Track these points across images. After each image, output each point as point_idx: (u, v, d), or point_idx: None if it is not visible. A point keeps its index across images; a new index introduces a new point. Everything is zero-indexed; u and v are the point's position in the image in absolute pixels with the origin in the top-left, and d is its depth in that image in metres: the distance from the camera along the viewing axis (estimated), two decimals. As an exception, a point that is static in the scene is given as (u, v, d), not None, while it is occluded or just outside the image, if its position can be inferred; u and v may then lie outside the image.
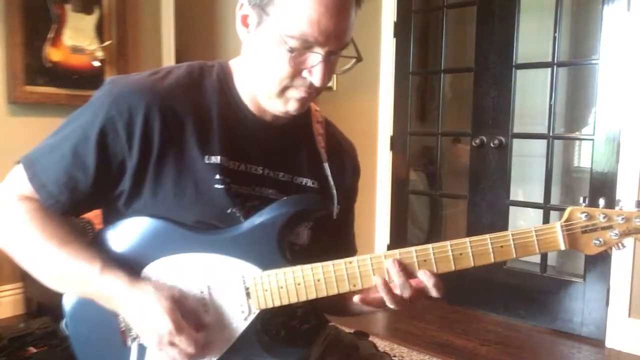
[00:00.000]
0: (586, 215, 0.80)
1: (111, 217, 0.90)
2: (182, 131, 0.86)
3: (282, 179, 0.93)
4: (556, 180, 3.28)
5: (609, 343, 2.54)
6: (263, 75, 0.85)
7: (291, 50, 0.79)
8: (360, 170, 1.09)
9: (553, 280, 2.78)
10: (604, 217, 0.80)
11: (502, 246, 0.81)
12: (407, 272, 0.82)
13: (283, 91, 0.85)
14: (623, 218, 0.79)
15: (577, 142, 3.55)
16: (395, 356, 2.35)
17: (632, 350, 2.47)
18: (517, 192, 3.09)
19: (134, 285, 0.82)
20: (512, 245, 0.81)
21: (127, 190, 0.86)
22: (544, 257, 2.81)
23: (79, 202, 0.87)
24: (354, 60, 0.87)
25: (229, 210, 0.86)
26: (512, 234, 0.81)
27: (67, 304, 0.91)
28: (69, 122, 0.87)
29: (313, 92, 0.86)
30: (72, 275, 0.84)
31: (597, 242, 0.81)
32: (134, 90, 0.84)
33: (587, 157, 2.99)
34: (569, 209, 0.82)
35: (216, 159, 0.87)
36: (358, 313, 1.01)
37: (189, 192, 0.85)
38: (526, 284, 2.84)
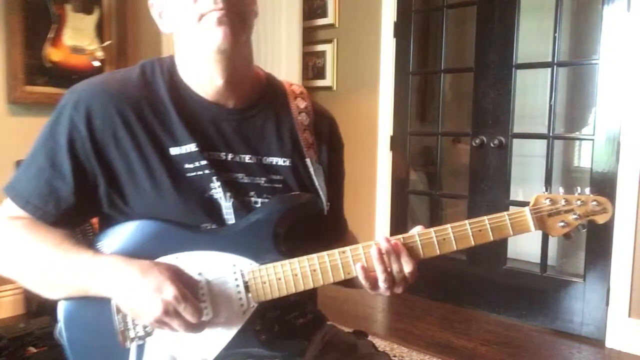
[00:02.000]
0: (550, 201, 0.90)
1: (105, 224, 0.92)
2: (142, 126, 0.88)
3: (249, 162, 0.94)
4: (556, 180, 3.28)
5: (609, 343, 2.54)
6: (181, 22, 0.88)
7: None
8: (342, 141, 1.09)
9: (553, 280, 2.78)
10: (565, 202, 0.90)
11: (480, 230, 0.89)
12: (387, 258, 0.86)
13: (199, 21, 0.84)
14: (581, 202, 0.89)
15: (577, 142, 3.55)
16: (395, 356, 2.35)
17: (632, 350, 2.47)
18: (517, 192, 3.09)
19: (130, 261, 0.83)
20: (489, 229, 0.89)
21: (104, 195, 0.88)
22: (544, 257, 2.82)
23: (68, 212, 0.88)
24: None
25: (207, 194, 0.88)
26: (487, 219, 0.89)
27: (61, 309, 0.90)
28: (39, 136, 0.90)
29: (223, 9, 0.83)
30: (65, 269, 0.84)
31: (562, 224, 0.90)
32: (90, 93, 0.88)
33: (587, 157, 2.98)
34: (535, 196, 0.91)
35: (180, 150, 0.88)
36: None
37: (166, 186, 0.87)
38: (526, 284, 2.84)
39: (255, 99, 0.97)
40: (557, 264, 3.33)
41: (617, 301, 2.51)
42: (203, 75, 0.91)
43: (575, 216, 0.89)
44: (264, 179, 0.94)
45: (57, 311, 0.91)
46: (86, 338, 0.90)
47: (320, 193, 0.97)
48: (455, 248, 0.88)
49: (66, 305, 0.90)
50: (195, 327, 0.82)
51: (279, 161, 0.96)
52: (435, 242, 0.88)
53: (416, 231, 0.89)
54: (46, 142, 0.88)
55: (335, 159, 1.06)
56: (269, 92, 1.00)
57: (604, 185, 2.51)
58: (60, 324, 0.90)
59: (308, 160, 0.98)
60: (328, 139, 1.04)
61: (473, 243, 0.88)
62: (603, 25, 2.53)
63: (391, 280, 0.86)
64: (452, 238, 0.88)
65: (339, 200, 1.10)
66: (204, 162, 0.89)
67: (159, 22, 0.93)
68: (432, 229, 0.89)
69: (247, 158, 0.94)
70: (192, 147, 0.89)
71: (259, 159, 0.95)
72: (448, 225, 0.88)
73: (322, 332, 1.04)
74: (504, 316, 2.88)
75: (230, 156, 0.92)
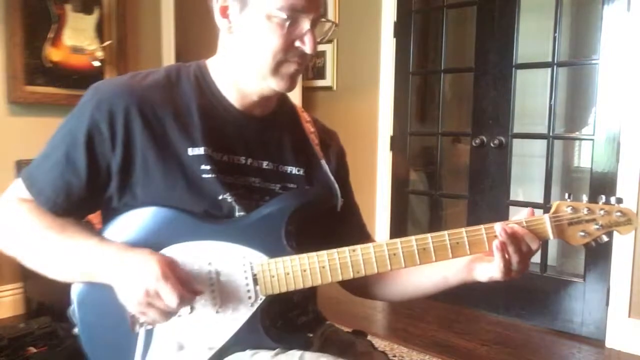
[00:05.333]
0: (572, 209, 0.87)
1: (109, 215, 0.93)
2: (163, 128, 0.89)
3: (266, 168, 0.97)
4: (556, 180, 3.28)
5: (609, 343, 2.54)
6: (254, 57, 0.89)
7: (288, 19, 0.85)
8: (344, 151, 1.13)
9: (553, 280, 2.78)
10: (588, 211, 0.87)
11: (495, 235, 0.87)
12: (517, 238, 0.86)
13: (278, 67, 0.89)
14: (605, 212, 0.86)
15: (577, 142, 3.55)
16: (395, 356, 2.35)
17: (632, 350, 2.47)
18: (517, 192, 3.10)
19: (131, 249, 0.85)
20: None
21: (116, 190, 0.90)
22: (544, 256, 2.82)
23: (76, 204, 0.91)
24: (330, 26, 0.94)
25: (220, 197, 0.89)
26: (504, 224, 0.87)
27: (75, 290, 0.92)
28: (59, 130, 0.92)
29: (303, 64, 0.91)
30: (71, 254, 0.87)
31: (582, 233, 0.87)
32: (114, 93, 0.89)
33: (587, 157, 2.98)
34: (556, 203, 0.88)
35: (200, 150, 0.90)
36: (426, 289, 1.00)
37: (180, 185, 0.88)
38: (526, 284, 2.83)
39: (275, 107, 1.01)
40: (557, 264, 3.33)
41: (617, 301, 2.51)
42: (241, 90, 0.94)
43: (597, 226, 0.86)
44: (278, 185, 0.97)
45: (70, 290, 0.93)
46: (97, 320, 0.92)
47: (337, 188, 1.01)
48: (468, 253, 0.88)
49: (80, 286, 0.92)
50: (176, 310, 0.82)
51: (294, 170, 0.99)
52: (449, 246, 0.87)
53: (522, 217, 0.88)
54: (64, 137, 0.89)
55: (345, 169, 1.11)
56: (285, 101, 1.05)
57: (604, 185, 2.52)
58: (74, 305, 0.92)
59: (323, 161, 1.02)
60: (336, 150, 1.09)
61: (487, 248, 0.87)
62: (603, 25, 2.52)
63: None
64: (466, 242, 0.87)
65: (355, 209, 1.13)
66: (220, 166, 0.90)
67: (217, 15, 0.91)
68: (445, 232, 0.87)
69: (264, 164, 0.97)
70: (209, 151, 0.90)
71: (275, 166, 0.98)
72: (462, 229, 0.87)
73: (320, 331, 1.04)
74: (503, 316, 2.88)
75: (249, 161, 0.95)
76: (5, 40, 2.61)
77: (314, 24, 0.88)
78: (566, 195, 0.89)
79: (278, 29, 0.85)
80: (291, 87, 0.92)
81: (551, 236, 0.87)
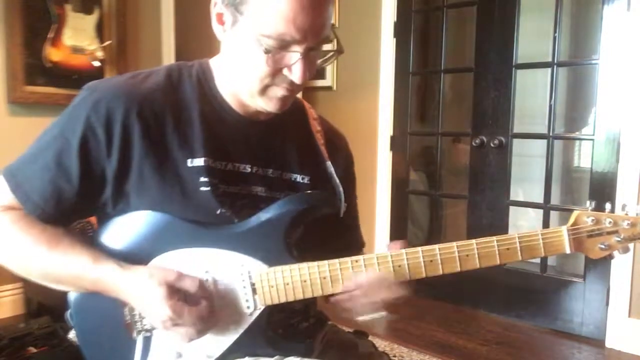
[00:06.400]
0: (593, 220, 0.82)
1: (103, 220, 0.90)
2: (163, 135, 0.85)
3: (271, 175, 0.93)
4: (556, 180, 3.28)
5: (609, 343, 2.54)
6: (243, 74, 0.85)
7: (267, 51, 0.79)
8: (353, 158, 1.09)
9: (553, 280, 2.78)
10: (610, 222, 0.82)
11: (508, 248, 0.83)
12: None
13: (264, 90, 0.84)
14: (629, 223, 0.81)
15: (577, 142, 3.55)
16: (395, 356, 2.35)
17: (632, 350, 2.47)
18: (517, 192, 3.09)
19: (127, 269, 0.82)
20: (518, 248, 0.83)
21: (111, 197, 0.85)
22: (544, 257, 2.81)
23: (67, 211, 0.86)
24: (332, 53, 0.88)
25: (218, 212, 0.86)
26: (518, 237, 0.83)
27: (72, 294, 0.90)
28: (49, 130, 0.86)
29: (295, 89, 0.86)
30: (66, 273, 0.84)
31: (603, 246, 0.82)
32: (112, 95, 0.83)
33: (587, 157, 2.98)
34: (575, 213, 0.83)
35: (200, 162, 0.86)
36: None
37: (177, 197, 0.84)
38: (526, 284, 2.84)
39: (278, 113, 0.96)
40: (557, 264, 3.33)
41: (617, 301, 2.51)
42: (241, 98, 0.90)
43: (619, 239, 0.82)
44: (282, 194, 0.92)
45: (67, 294, 0.90)
46: (95, 325, 0.90)
47: (341, 192, 0.97)
48: (478, 266, 0.84)
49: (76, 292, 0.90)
50: (203, 329, 0.82)
51: (298, 177, 0.95)
52: (457, 258, 0.84)
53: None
54: (55, 139, 0.84)
55: (351, 177, 1.07)
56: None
57: (604, 185, 2.51)
58: (71, 309, 0.90)
59: (328, 163, 0.99)
60: (344, 155, 1.05)
61: (498, 262, 0.83)
62: (603, 25, 2.52)
63: None
64: (476, 255, 0.84)
65: (354, 216, 1.10)
66: (221, 176, 0.87)
67: (214, 20, 0.85)
68: (454, 243, 0.84)
69: (270, 172, 0.93)
70: (209, 161, 0.86)
71: (279, 174, 0.94)
72: (473, 241, 0.84)
73: (322, 332, 1.03)
74: (504, 316, 2.88)
75: (254, 169, 0.91)
76: (5, 40, 2.61)
77: (307, 52, 0.80)
78: (587, 203, 0.84)
79: (264, 56, 0.79)
80: (281, 108, 0.87)
81: (567, 250, 0.83)
